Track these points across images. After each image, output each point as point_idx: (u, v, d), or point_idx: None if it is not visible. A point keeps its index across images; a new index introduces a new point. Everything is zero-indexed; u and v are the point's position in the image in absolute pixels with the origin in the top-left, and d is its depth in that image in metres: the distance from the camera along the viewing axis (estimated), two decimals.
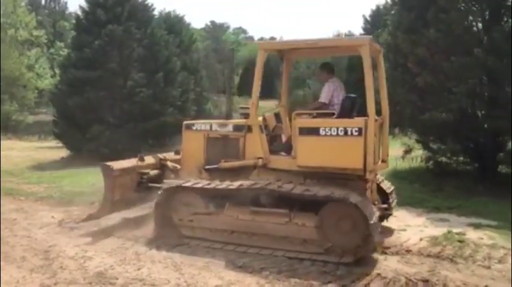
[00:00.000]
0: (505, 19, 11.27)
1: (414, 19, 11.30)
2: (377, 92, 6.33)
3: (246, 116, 6.56)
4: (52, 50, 43.79)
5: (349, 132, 5.77)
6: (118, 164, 7.14)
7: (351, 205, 5.46)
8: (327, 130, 5.85)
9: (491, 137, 11.16)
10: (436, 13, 10.66)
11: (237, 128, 6.74)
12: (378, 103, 6.36)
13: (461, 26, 10.84)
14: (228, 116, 7.13)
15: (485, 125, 11.19)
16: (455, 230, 6.96)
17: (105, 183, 7.00)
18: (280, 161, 6.34)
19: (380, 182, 6.92)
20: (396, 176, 10.99)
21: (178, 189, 6.43)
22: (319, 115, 6.24)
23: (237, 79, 65.86)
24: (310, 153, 5.98)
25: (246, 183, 6.09)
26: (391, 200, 6.86)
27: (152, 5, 22.07)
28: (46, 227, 7.29)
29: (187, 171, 6.99)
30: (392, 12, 13.66)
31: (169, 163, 7.55)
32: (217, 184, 6.21)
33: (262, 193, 6.00)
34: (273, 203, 5.98)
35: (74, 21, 23.71)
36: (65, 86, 20.06)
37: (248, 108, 6.54)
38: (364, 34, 30.17)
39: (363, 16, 33.33)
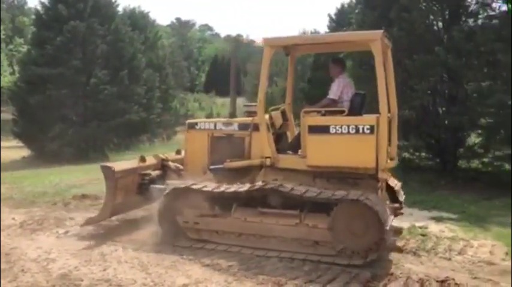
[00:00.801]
0: (464, 19, 11.65)
1: (378, 18, 11.53)
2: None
3: (251, 114, 6.34)
4: (11, 47, 42.38)
5: (360, 130, 5.52)
6: (119, 166, 6.84)
7: (366, 206, 5.23)
8: (337, 128, 5.61)
9: (451, 133, 11.51)
10: (398, 12, 10.93)
11: (243, 126, 6.47)
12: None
13: (422, 25, 11.16)
14: (233, 116, 6.85)
15: (446, 122, 11.54)
16: (418, 224, 7.14)
17: (106, 185, 6.67)
18: (289, 160, 6.07)
19: (387, 179, 6.59)
20: None
21: (184, 191, 6.11)
22: (328, 113, 5.96)
23: (203, 76, 65.61)
24: (320, 152, 5.74)
25: (257, 184, 5.83)
26: (400, 198, 6.57)
27: (116, 1, 21.73)
28: (7, 229, 7.05)
29: (190, 171, 6.73)
30: (357, 11, 13.88)
31: (171, 164, 7.24)
32: (227, 187, 5.92)
33: (273, 194, 5.71)
34: (283, 204, 5.71)
35: (33, 16, 23.01)
36: (25, 84, 19.49)
37: (253, 106, 6.30)
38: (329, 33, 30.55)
39: (328, 15, 33.73)
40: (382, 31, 5.78)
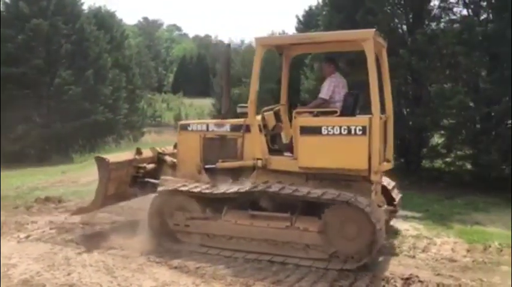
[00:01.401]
0: (427, 23, 11.95)
1: (344, 20, 11.67)
2: (380, 89, 5.93)
3: (244, 115, 6.27)
4: None
5: (352, 132, 5.46)
6: (114, 157, 6.77)
7: (357, 209, 5.19)
8: (329, 129, 5.55)
9: (415, 133, 11.79)
10: (364, 15, 11.10)
11: (235, 127, 6.38)
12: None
13: (387, 28, 11.35)
14: (226, 117, 6.74)
15: (410, 123, 11.80)
16: None
17: (99, 176, 6.57)
18: (281, 162, 6.01)
19: (381, 181, 6.47)
20: None
21: (174, 193, 6.05)
22: (321, 113, 5.90)
23: (171, 77, 64.99)
24: (312, 154, 5.67)
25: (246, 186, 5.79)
26: (395, 199, 6.57)
27: (81, 0, 21.24)
28: None
29: (182, 173, 6.64)
30: (324, 13, 14.03)
31: (167, 158, 7.13)
32: (222, 188, 5.86)
33: (264, 197, 5.66)
34: (274, 206, 5.65)
35: None
36: None
37: (245, 107, 6.21)
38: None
39: (296, 16, 33.97)
40: (374, 30, 5.75)
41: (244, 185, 5.83)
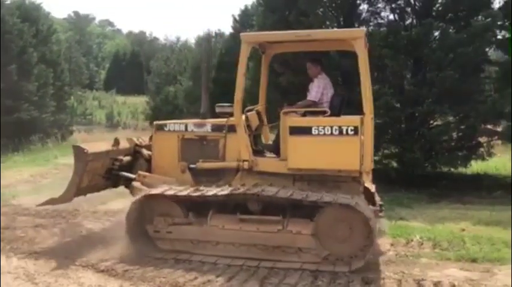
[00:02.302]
0: (357, 25, 12.39)
1: (277, 20, 11.83)
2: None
3: (223, 115, 6.05)
4: None
5: (344, 132, 5.32)
6: (92, 147, 6.21)
7: (351, 209, 5.08)
8: (320, 129, 5.38)
9: None
10: (297, 16, 11.31)
11: (217, 128, 6.13)
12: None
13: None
14: (205, 116, 6.41)
15: None
16: None
17: (75, 166, 6.07)
18: (268, 163, 5.81)
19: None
20: None
21: (154, 197, 5.64)
22: (309, 113, 5.75)
23: (103, 73, 62.81)
24: (302, 154, 5.50)
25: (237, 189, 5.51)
26: (377, 201, 6.43)
27: None
28: None
29: (158, 174, 6.27)
30: (258, 13, 14.15)
31: (144, 151, 6.70)
32: (204, 191, 5.52)
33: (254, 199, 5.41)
34: (263, 209, 5.44)
35: None
36: None
37: (225, 106, 6.00)
38: (233, 33, 30.81)
39: (232, 16, 34.01)
40: (365, 29, 5.75)
41: (235, 188, 5.55)
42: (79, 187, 6.14)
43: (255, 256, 5.38)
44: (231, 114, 6.01)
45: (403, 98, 11.27)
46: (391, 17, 12.07)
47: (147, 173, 6.29)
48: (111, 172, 6.49)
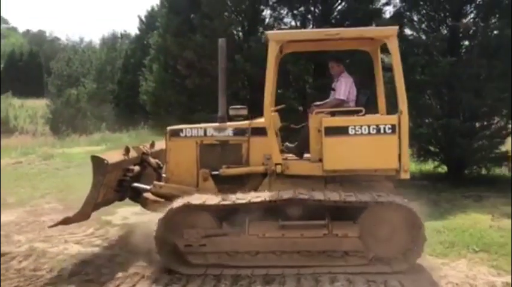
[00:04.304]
0: (262, 30, 12.61)
1: (181, 23, 11.69)
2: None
3: (237, 118, 5.87)
4: None
5: (381, 130, 5.27)
6: (111, 157, 5.59)
7: (406, 210, 5.00)
8: (357, 129, 5.28)
9: None
10: (201, 19, 11.26)
11: (239, 131, 5.83)
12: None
13: (224, 33, 11.67)
14: (223, 120, 6.00)
15: None
16: None
17: (94, 179, 5.43)
18: (301, 166, 5.60)
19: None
20: None
21: (184, 209, 5.10)
22: (338, 113, 5.63)
23: None
24: (339, 155, 5.35)
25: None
26: None
27: None
28: None
29: (175, 183, 5.84)
30: (162, 15, 13.91)
31: (151, 160, 6.21)
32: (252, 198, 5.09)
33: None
34: (303, 215, 5.17)
35: None
36: None
37: (239, 108, 5.85)
38: (139, 35, 29.98)
39: (138, 16, 33.18)
40: (397, 27, 5.67)
41: (280, 193, 5.15)
42: (96, 203, 5.61)
43: (297, 263, 5.14)
44: (245, 117, 5.93)
45: (305, 101, 11.66)
46: (293, 23, 12.44)
47: (162, 183, 5.89)
48: (122, 184, 5.98)
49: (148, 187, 5.92)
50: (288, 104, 11.00)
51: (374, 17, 11.14)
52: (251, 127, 5.80)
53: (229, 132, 5.89)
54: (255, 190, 5.45)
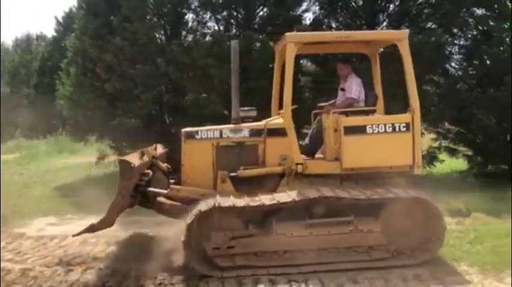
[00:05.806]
0: (185, 34, 12.52)
1: (100, 25, 11.33)
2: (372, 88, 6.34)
3: (247, 119, 6.01)
4: None
5: (397, 129, 5.60)
6: (136, 161, 5.45)
7: (427, 204, 5.25)
8: (374, 128, 5.58)
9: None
10: (120, 21, 10.98)
11: (255, 132, 5.90)
12: None
13: (146, 37, 11.45)
14: (237, 121, 6.00)
15: (172, 130, 12.13)
16: None
17: (120, 184, 5.28)
18: (319, 165, 5.83)
19: None
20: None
21: (211, 211, 5.06)
22: (351, 113, 5.87)
23: None
24: (358, 154, 5.62)
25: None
26: None
27: None
28: None
29: (191, 186, 5.83)
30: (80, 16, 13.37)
31: (160, 163, 6.10)
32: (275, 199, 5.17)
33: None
34: (328, 212, 5.27)
35: None
36: None
37: (248, 110, 6.02)
38: (56, 37, 28.59)
39: (55, 17, 31.67)
40: (408, 30, 6.05)
41: (306, 192, 5.27)
42: (121, 209, 5.52)
43: (325, 260, 5.21)
44: (255, 119, 6.09)
45: (230, 105, 11.69)
46: (217, 27, 12.47)
47: (179, 187, 5.85)
48: (138, 189, 5.71)
49: (163, 191, 5.81)
50: (210, 108, 11.03)
51: (294, 23, 11.41)
52: (267, 128, 5.96)
53: (245, 133, 5.99)
54: (274, 190, 5.59)
